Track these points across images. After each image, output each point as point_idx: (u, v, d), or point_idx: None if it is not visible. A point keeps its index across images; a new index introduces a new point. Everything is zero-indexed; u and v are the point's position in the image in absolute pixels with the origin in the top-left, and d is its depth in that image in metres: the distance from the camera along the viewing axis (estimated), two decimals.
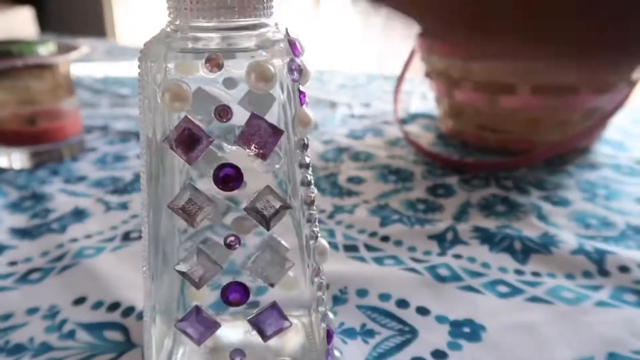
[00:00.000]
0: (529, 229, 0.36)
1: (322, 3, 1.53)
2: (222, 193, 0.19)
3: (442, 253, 0.33)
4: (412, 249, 0.34)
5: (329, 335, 0.22)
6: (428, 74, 0.57)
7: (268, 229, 0.19)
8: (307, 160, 0.20)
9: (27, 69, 0.48)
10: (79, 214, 0.40)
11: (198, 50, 0.19)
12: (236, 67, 0.18)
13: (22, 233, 0.37)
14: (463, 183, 0.45)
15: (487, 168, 0.47)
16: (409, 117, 0.66)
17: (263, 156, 0.18)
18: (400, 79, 0.60)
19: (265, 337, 0.20)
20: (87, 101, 0.76)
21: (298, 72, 0.19)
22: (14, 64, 0.47)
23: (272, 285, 0.20)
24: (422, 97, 0.75)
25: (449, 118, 0.56)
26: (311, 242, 0.21)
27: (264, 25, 0.19)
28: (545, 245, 0.34)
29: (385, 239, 0.35)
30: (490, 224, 0.37)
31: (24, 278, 0.31)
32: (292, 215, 0.20)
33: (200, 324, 0.20)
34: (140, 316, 0.27)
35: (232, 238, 0.20)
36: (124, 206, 0.41)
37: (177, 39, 0.19)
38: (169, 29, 0.19)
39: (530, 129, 0.49)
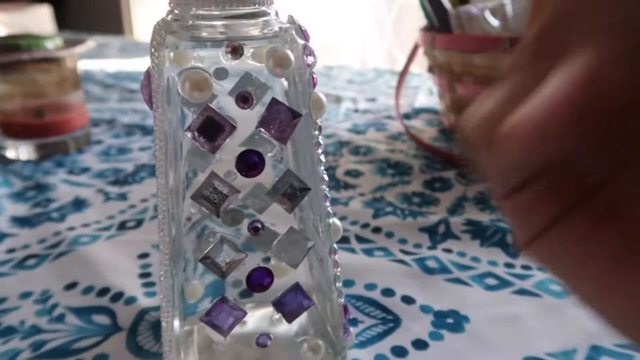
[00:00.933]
0: None
1: None
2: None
3: (433, 247, 0.33)
4: (402, 241, 0.34)
5: (346, 310, 0.22)
6: (431, 68, 0.57)
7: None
8: (321, 141, 0.21)
9: (34, 62, 0.49)
10: (79, 204, 0.41)
11: (203, 39, 0.19)
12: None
13: (23, 222, 0.38)
14: (461, 177, 0.44)
15: None
16: (413, 111, 0.65)
17: (283, 140, 0.19)
18: (402, 73, 0.60)
19: (290, 317, 0.20)
20: (96, 95, 0.77)
21: (313, 56, 0.20)
22: (20, 57, 0.48)
23: (294, 266, 0.20)
24: (429, 92, 0.75)
25: (451, 113, 0.55)
26: (327, 220, 0.21)
27: (266, 13, 0.19)
28: None
29: (376, 230, 0.35)
30: (484, 217, 0.37)
31: (20, 264, 0.32)
32: (310, 195, 0.20)
33: (228, 314, 0.20)
34: (128, 301, 0.28)
35: (257, 223, 0.21)
36: (123, 197, 0.42)
37: (179, 27, 0.19)
38: (169, 18, 0.19)
39: None
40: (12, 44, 0.49)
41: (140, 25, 2.28)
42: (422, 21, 0.58)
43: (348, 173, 0.46)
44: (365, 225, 0.36)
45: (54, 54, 0.50)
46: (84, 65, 0.94)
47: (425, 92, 0.75)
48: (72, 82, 0.53)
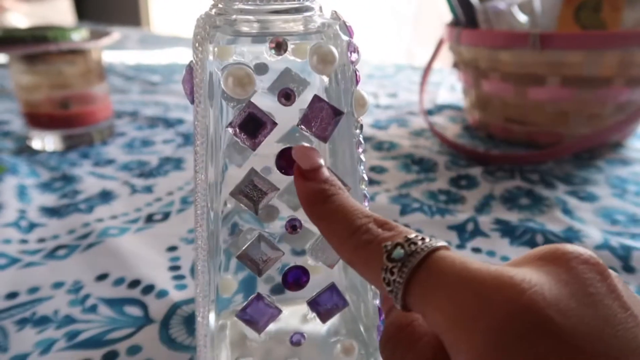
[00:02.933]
0: (553, 223, 0.35)
1: None
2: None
3: (461, 245, 0.33)
4: None
5: (380, 311, 0.22)
6: (456, 64, 0.56)
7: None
8: (362, 140, 0.21)
9: (60, 54, 0.50)
10: (105, 196, 0.41)
11: (247, 34, 0.19)
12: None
13: (51, 212, 0.38)
14: (487, 175, 0.44)
15: (513, 161, 0.46)
16: (436, 108, 0.65)
17: (324, 138, 0.19)
18: (427, 69, 0.59)
19: (324, 317, 0.20)
20: (118, 87, 0.78)
21: (357, 53, 0.19)
22: (47, 48, 0.48)
23: (331, 266, 0.20)
24: (451, 88, 0.74)
25: (476, 109, 0.55)
26: None
27: (309, 8, 0.19)
28: (568, 240, 0.33)
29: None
30: (513, 216, 0.36)
31: (51, 254, 0.33)
32: (350, 194, 0.20)
33: (263, 311, 0.20)
34: (159, 294, 0.28)
35: (295, 222, 0.21)
36: (148, 189, 0.42)
37: (222, 22, 0.19)
38: (212, 12, 0.19)
39: (558, 121, 0.48)
40: (40, 36, 0.49)
41: (157, 17, 2.29)
42: (441, 16, 0.57)
43: (372, 169, 0.45)
44: None
45: (81, 46, 0.50)
46: (105, 57, 0.95)
47: (447, 87, 0.74)
48: (96, 73, 0.53)
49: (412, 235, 0.15)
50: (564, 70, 0.45)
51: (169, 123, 0.60)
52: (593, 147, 0.48)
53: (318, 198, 0.17)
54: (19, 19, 1.43)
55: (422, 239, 0.14)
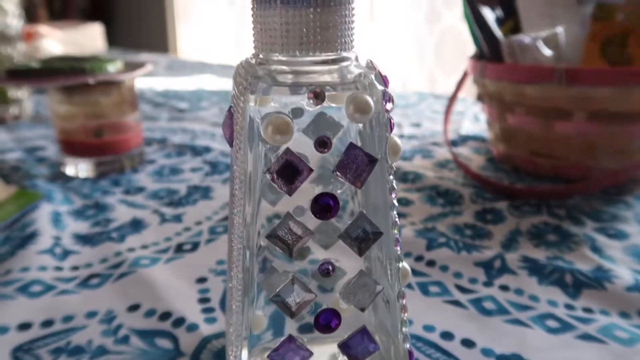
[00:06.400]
0: (582, 261, 0.35)
1: (375, 20, 1.54)
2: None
3: (489, 282, 0.33)
4: (458, 275, 0.34)
5: (411, 356, 0.22)
6: (480, 97, 0.56)
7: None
8: (395, 185, 0.21)
9: (97, 85, 0.52)
10: (136, 225, 0.42)
11: (286, 84, 0.19)
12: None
13: (85, 239, 0.40)
14: (513, 209, 0.44)
15: (539, 195, 0.46)
16: (460, 138, 0.65)
17: (359, 185, 0.19)
18: (451, 99, 0.60)
19: None
20: (147, 114, 0.80)
21: (392, 102, 0.20)
22: (85, 80, 0.50)
23: (363, 310, 0.20)
24: (474, 118, 0.74)
25: (501, 142, 0.55)
26: (397, 264, 0.21)
27: (346, 59, 0.20)
28: (598, 280, 0.33)
29: (431, 263, 0.35)
30: (541, 254, 0.36)
31: (85, 283, 0.34)
32: (382, 238, 0.21)
33: (295, 353, 0.20)
34: (190, 327, 0.29)
35: (328, 266, 0.21)
36: (178, 218, 0.43)
37: (263, 71, 0.19)
38: (253, 61, 0.20)
39: (586, 155, 0.48)
40: (78, 68, 0.51)
41: (184, 42, 2.36)
42: (463, 45, 0.58)
43: (398, 201, 0.46)
44: (419, 258, 0.36)
45: (117, 78, 0.52)
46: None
47: (470, 118, 0.75)
48: (130, 103, 0.55)
49: None
50: (590, 105, 0.45)
51: (196, 151, 0.61)
52: (621, 183, 0.48)
53: None
54: (53, 45, 1.49)
55: None
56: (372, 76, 0.20)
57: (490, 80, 0.52)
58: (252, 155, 0.21)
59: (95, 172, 0.54)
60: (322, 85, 0.19)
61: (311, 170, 0.19)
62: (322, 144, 0.19)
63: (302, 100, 0.19)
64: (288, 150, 0.19)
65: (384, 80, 0.20)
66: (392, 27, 1.51)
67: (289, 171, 0.19)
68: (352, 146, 0.19)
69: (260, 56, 0.20)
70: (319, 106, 0.19)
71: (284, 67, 0.19)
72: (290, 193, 0.19)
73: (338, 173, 0.19)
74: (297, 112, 0.21)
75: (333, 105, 0.21)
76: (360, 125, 0.21)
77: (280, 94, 0.20)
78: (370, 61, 0.21)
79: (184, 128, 0.72)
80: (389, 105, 0.20)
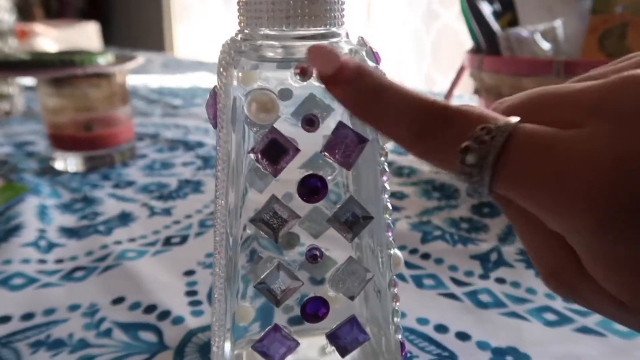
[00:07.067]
0: None
1: (372, 19, 1.54)
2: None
3: (485, 275, 0.32)
4: (453, 268, 0.33)
5: (402, 347, 0.21)
6: (477, 91, 0.56)
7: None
8: (387, 168, 0.20)
9: (86, 77, 0.51)
10: (124, 218, 0.41)
11: (272, 60, 0.18)
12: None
13: (71, 232, 0.39)
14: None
15: None
16: None
17: (347, 166, 0.18)
18: (448, 94, 0.59)
19: (344, 352, 0.20)
20: (141, 110, 0.79)
21: None
22: (74, 72, 0.49)
23: (352, 298, 0.20)
24: None
25: None
26: (388, 251, 0.20)
27: (336, 34, 0.19)
28: None
29: (425, 256, 0.34)
30: None
31: (69, 275, 0.33)
32: (372, 223, 0.20)
33: (280, 343, 0.20)
34: (175, 320, 0.28)
35: (315, 251, 0.20)
36: (167, 212, 0.42)
37: (248, 47, 0.18)
38: (238, 37, 0.19)
39: None
40: (67, 60, 0.50)
41: (181, 42, 2.35)
42: (460, 44, 0.57)
43: (393, 195, 0.45)
44: (413, 251, 0.35)
45: (106, 70, 0.51)
46: (128, 80, 0.97)
47: None
48: (120, 97, 0.54)
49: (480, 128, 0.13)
50: None
51: (189, 146, 0.60)
52: None
53: (361, 101, 0.15)
54: (48, 44, 1.47)
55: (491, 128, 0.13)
56: (364, 52, 0.19)
57: (487, 74, 0.51)
58: (238, 138, 0.20)
59: (84, 166, 0.53)
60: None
61: (298, 150, 0.18)
62: (310, 122, 0.18)
63: (289, 77, 0.18)
64: (273, 128, 0.18)
65: (375, 57, 0.19)
66: (389, 26, 1.51)
67: (274, 150, 0.18)
68: (341, 125, 0.18)
69: (246, 31, 0.19)
70: (305, 83, 0.18)
71: (270, 42, 0.18)
72: (275, 174, 0.18)
73: (326, 153, 0.18)
74: (286, 94, 0.20)
75: (323, 85, 0.20)
76: None
77: (265, 69, 0.19)
78: (362, 38, 0.20)
79: (177, 124, 0.71)
80: None
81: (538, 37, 0.51)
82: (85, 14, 2.56)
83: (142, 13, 2.48)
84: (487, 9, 0.54)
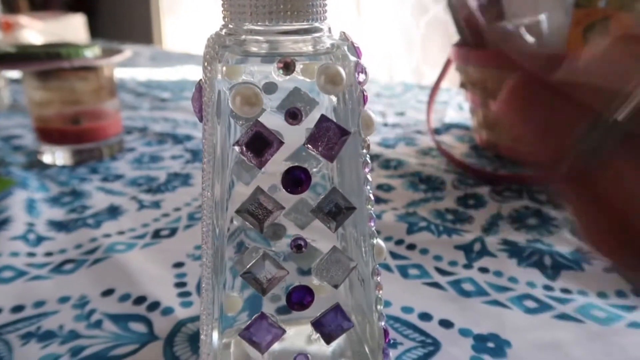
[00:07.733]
0: (561, 244, 0.35)
1: (362, 14, 1.54)
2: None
3: (469, 265, 0.33)
4: (438, 258, 0.34)
5: (386, 333, 0.22)
6: (463, 84, 0.56)
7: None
8: (369, 160, 0.21)
9: (73, 70, 0.50)
10: (113, 211, 0.41)
11: (255, 54, 0.19)
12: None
13: (59, 226, 0.39)
14: (495, 194, 0.44)
15: (521, 181, 0.46)
16: (443, 127, 0.65)
17: (330, 158, 0.19)
18: (434, 88, 0.59)
19: (328, 339, 0.20)
20: (129, 103, 0.79)
21: (365, 74, 0.19)
22: (61, 65, 0.49)
23: (336, 286, 0.20)
24: (458, 107, 0.74)
25: (483, 129, 0.55)
26: (371, 241, 0.21)
27: (319, 29, 0.19)
28: (577, 262, 0.33)
29: (411, 247, 0.35)
30: (521, 237, 0.36)
31: (58, 268, 0.33)
32: (355, 214, 0.20)
33: (267, 331, 0.20)
34: (165, 311, 0.28)
35: (300, 241, 0.21)
36: (156, 205, 0.42)
37: (232, 42, 0.19)
38: (223, 32, 0.19)
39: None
40: (53, 52, 0.50)
41: (169, 35, 2.33)
42: (449, 37, 0.58)
43: (380, 187, 0.45)
44: (399, 242, 0.36)
45: (93, 63, 0.51)
46: (116, 73, 0.96)
47: (454, 107, 0.75)
48: (108, 90, 0.54)
49: None
50: None
51: (177, 139, 0.60)
52: None
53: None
54: (34, 36, 1.45)
55: None
56: (345, 47, 0.19)
57: (473, 68, 0.52)
58: (223, 131, 0.20)
59: (72, 160, 0.53)
60: (292, 55, 0.19)
61: (281, 142, 0.18)
62: (293, 115, 0.19)
63: (273, 71, 0.19)
64: (257, 122, 0.18)
65: (356, 52, 0.19)
66: (378, 20, 1.51)
67: (259, 143, 0.18)
68: (323, 118, 0.19)
69: (230, 26, 0.19)
70: (288, 77, 0.19)
71: (254, 37, 0.19)
72: (260, 166, 0.19)
73: (309, 146, 0.19)
74: (270, 88, 0.20)
75: (308, 80, 0.20)
76: (335, 100, 0.21)
77: (250, 64, 0.19)
78: (344, 32, 0.20)
79: (166, 117, 0.71)
80: (361, 77, 0.19)
81: (523, 32, 0.51)
82: (71, 6, 2.52)
83: (130, 5, 2.45)
84: (473, 3, 0.55)
